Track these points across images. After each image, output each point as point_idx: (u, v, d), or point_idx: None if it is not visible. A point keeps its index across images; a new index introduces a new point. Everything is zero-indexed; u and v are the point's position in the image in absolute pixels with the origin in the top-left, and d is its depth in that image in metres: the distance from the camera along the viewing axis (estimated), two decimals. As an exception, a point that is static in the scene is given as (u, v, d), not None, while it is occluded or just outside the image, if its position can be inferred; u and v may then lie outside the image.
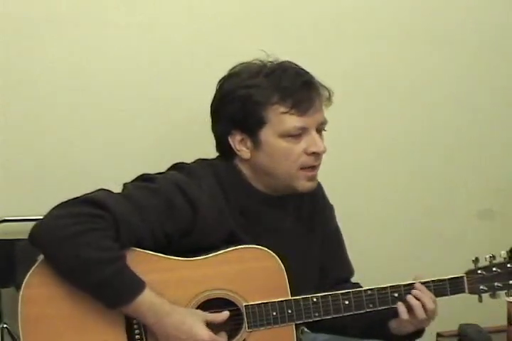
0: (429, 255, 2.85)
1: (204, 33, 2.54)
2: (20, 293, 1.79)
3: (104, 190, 1.87)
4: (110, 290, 1.77)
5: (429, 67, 2.83)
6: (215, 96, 2.01)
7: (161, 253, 1.85)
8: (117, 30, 2.48)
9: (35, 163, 2.44)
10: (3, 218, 2.35)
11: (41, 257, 1.81)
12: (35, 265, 1.81)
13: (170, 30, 2.52)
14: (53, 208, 1.82)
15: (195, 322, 1.82)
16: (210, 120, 2.02)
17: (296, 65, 1.99)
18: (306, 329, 2.12)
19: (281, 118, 1.92)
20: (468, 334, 2.40)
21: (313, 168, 1.97)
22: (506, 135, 2.95)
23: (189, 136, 2.55)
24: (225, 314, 1.86)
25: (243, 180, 1.99)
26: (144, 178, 1.94)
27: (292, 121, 1.92)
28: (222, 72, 2.01)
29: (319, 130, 1.98)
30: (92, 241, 1.76)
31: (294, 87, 1.92)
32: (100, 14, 2.46)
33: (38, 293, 1.80)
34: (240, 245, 1.91)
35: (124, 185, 1.92)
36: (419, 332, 2.03)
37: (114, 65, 2.48)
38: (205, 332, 1.82)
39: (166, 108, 2.54)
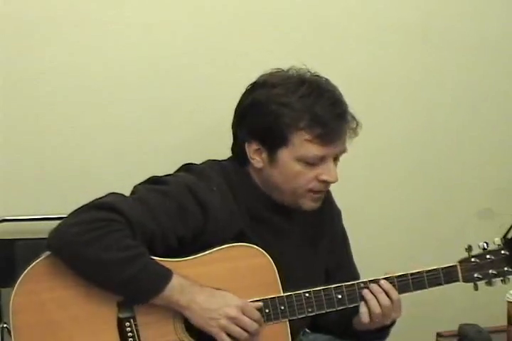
0: (428, 255, 2.84)
1: (205, 33, 2.54)
2: (10, 302, 1.79)
3: (115, 193, 1.88)
4: (141, 285, 1.78)
5: (430, 67, 2.83)
6: (245, 100, 1.98)
7: (172, 255, 1.85)
8: (117, 30, 2.48)
9: (35, 163, 2.44)
10: (3, 218, 2.35)
11: (34, 262, 1.81)
12: (24, 273, 1.80)
13: (170, 30, 2.52)
14: (67, 216, 1.82)
15: (226, 293, 1.84)
16: (233, 119, 2.01)
17: (333, 87, 1.97)
18: (307, 330, 2.13)
19: (304, 145, 1.91)
20: (468, 334, 2.39)
21: (321, 192, 1.98)
22: (506, 135, 2.95)
23: (190, 136, 2.55)
24: (257, 304, 1.86)
25: (252, 183, 2.00)
26: (154, 181, 1.94)
27: (313, 150, 1.92)
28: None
29: (336, 158, 1.99)
30: (112, 243, 1.77)
31: (326, 117, 1.91)
32: (100, 14, 2.46)
33: (28, 301, 1.80)
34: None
35: (135, 187, 1.92)
36: (380, 331, 2.01)
37: (114, 64, 2.48)
38: (237, 299, 1.83)
39: (166, 108, 2.53)
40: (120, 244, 1.78)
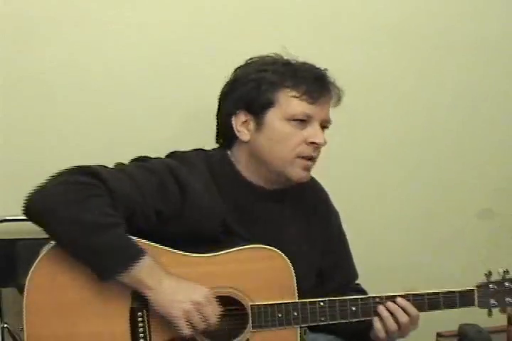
0: (428, 255, 2.85)
1: (205, 33, 2.55)
2: (26, 282, 1.79)
3: (101, 165, 1.89)
4: (111, 255, 1.77)
5: (430, 67, 2.83)
6: (227, 81, 2.03)
7: (154, 235, 1.86)
8: (117, 30, 2.48)
9: (35, 163, 2.44)
10: (4, 218, 2.35)
11: (44, 249, 1.82)
12: (40, 256, 1.81)
13: (170, 30, 2.52)
14: (48, 178, 1.84)
15: (194, 283, 1.83)
16: (217, 105, 2.04)
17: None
18: (307, 330, 2.13)
19: (291, 102, 1.94)
20: (468, 334, 2.39)
21: (310, 159, 1.98)
22: (506, 135, 2.95)
23: (190, 136, 2.55)
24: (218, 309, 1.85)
25: (236, 172, 2.00)
26: (139, 159, 1.97)
27: (301, 107, 1.94)
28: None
29: (323, 127, 1.99)
30: (93, 207, 1.78)
31: (309, 77, 1.96)
32: (100, 14, 2.46)
33: (44, 281, 1.80)
34: (236, 237, 1.92)
35: (117, 163, 1.94)
36: None
37: (114, 64, 2.48)
38: (204, 288, 1.82)
39: (166, 108, 2.54)
40: (100, 209, 1.78)
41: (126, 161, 2.46)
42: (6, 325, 2.25)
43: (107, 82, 2.48)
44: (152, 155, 2.52)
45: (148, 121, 2.54)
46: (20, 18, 2.39)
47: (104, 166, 1.89)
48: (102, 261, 1.78)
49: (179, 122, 2.56)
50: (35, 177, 2.43)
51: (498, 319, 2.31)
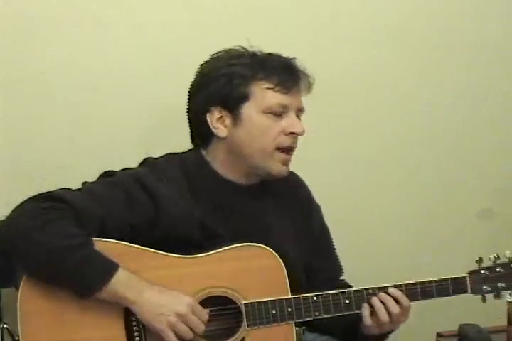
0: (428, 255, 2.85)
1: (205, 32, 2.55)
2: (20, 288, 1.79)
3: (64, 188, 1.88)
4: (84, 275, 1.76)
5: (430, 67, 2.83)
6: (195, 79, 2.02)
7: (137, 243, 1.85)
8: (117, 30, 2.48)
9: (35, 163, 2.44)
10: (4, 218, 2.34)
11: None
12: None
13: (170, 30, 2.52)
14: (14, 208, 1.83)
15: (177, 292, 1.82)
16: (187, 104, 2.03)
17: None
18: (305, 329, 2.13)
19: (266, 94, 1.95)
20: (468, 334, 2.39)
21: (289, 151, 1.98)
22: (506, 135, 2.95)
23: (189, 135, 2.55)
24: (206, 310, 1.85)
25: (213, 171, 1.99)
26: (104, 174, 1.96)
27: (276, 98, 1.95)
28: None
29: (297, 116, 2.00)
30: (57, 230, 1.77)
31: (279, 67, 1.96)
32: (100, 14, 2.46)
33: (37, 289, 1.80)
34: (220, 239, 1.91)
35: (84, 182, 1.93)
36: (385, 335, 2.01)
37: (114, 64, 2.49)
38: (187, 298, 1.81)
39: (167, 108, 2.53)
40: (67, 231, 1.77)
41: (125, 161, 2.47)
42: (5, 326, 2.25)
43: (107, 82, 2.48)
44: (151, 155, 2.53)
45: (148, 121, 2.54)
46: (20, 18, 2.40)
47: (68, 188, 1.88)
48: (76, 282, 1.77)
49: (179, 122, 2.56)
50: (36, 177, 2.45)
51: (499, 319, 2.31)
